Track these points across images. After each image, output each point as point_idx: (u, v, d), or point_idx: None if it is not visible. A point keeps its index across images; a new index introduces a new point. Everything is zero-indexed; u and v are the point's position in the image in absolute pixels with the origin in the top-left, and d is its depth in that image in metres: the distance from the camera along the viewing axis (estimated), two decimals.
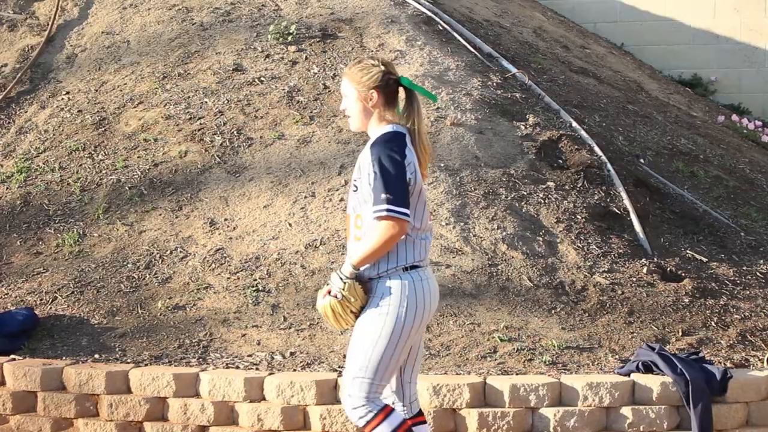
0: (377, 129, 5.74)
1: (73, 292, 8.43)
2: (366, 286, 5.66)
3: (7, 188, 9.60)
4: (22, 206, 9.40)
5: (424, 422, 5.96)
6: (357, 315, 5.68)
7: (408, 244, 5.64)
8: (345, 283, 5.61)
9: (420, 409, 5.96)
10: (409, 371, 5.89)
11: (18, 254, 8.94)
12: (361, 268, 5.62)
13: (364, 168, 5.64)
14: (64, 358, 7.73)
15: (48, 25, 11.49)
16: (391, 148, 5.59)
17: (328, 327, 7.84)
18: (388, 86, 5.73)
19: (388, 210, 5.49)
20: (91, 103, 10.40)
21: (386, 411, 5.67)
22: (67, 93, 10.61)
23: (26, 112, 10.52)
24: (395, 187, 5.52)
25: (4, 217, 9.30)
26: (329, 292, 5.67)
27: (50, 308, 8.30)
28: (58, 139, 10.06)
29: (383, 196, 5.50)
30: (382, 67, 5.73)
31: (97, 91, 10.55)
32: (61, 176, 9.60)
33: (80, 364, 7.57)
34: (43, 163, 9.77)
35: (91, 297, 8.39)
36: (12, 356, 7.78)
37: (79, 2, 11.88)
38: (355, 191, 5.70)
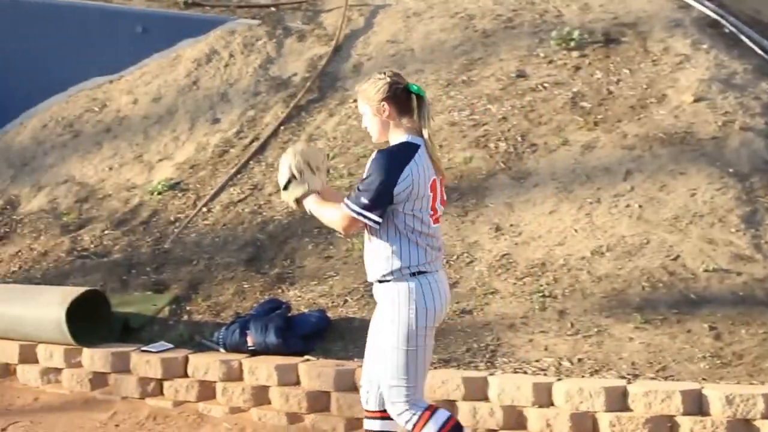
0: (395, 139, 5.80)
1: (362, 296, 8.64)
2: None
3: None
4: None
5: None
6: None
7: (413, 248, 5.70)
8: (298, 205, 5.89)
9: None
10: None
11: (310, 258, 9.22)
12: (307, 209, 5.85)
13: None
14: (355, 359, 7.94)
15: (335, 34, 11.82)
16: (391, 159, 5.66)
17: (617, 334, 7.81)
18: (397, 95, 5.74)
19: (357, 213, 5.64)
20: None
21: (431, 410, 5.79)
22: (355, 101, 10.85)
23: (315, 119, 10.83)
24: (375, 193, 5.61)
25: (296, 222, 9.60)
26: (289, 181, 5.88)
27: (341, 311, 8.54)
28: (346, 146, 10.34)
29: (363, 199, 5.63)
30: (388, 78, 5.77)
31: None
32: (350, 182, 9.85)
33: None
34: (333, 170, 10.05)
35: None
36: (306, 357, 8.05)
37: (365, 12, 12.17)
38: None
